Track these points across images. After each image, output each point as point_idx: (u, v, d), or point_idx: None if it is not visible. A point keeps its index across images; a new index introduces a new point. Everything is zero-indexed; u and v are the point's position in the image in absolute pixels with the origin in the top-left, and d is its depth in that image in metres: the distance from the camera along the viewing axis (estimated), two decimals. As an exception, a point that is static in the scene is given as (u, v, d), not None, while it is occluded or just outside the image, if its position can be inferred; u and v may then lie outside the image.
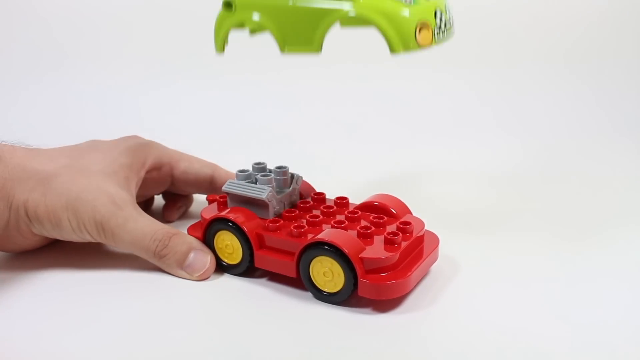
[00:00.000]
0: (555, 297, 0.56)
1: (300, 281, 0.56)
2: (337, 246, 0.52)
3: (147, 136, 0.70)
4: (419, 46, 0.51)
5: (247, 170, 0.61)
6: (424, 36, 0.51)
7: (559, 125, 1.08)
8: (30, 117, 1.12)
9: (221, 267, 0.60)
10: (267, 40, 0.56)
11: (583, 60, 1.21)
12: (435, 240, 0.60)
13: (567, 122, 1.09)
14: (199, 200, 0.76)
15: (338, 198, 0.63)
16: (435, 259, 0.59)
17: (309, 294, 0.56)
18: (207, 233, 0.60)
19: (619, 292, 0.57)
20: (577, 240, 0.67)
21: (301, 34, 0.54)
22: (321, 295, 0.55)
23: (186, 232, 0.62)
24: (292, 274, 0.56)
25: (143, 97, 1.17)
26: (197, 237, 0.60)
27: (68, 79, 1.23)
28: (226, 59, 1.18)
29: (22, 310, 0.54)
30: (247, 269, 0.59)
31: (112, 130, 0.76)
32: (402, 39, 0.50)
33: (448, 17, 0.55)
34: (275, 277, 0.59)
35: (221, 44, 0.58)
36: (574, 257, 0.63)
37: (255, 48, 1.19)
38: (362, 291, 0.52)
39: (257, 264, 0.58)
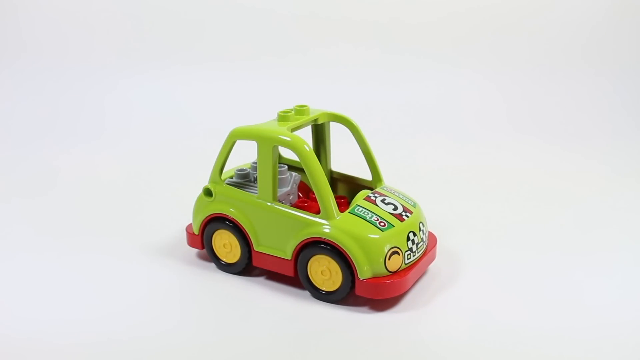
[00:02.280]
0: (553, 296, 0.56)
1: (298, 280, 0.56)
2: (335, 245, 0.52)
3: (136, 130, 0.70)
4: (388, 272, 0.52)
5: (245, 170, 0.61)
6: (394, 261, 0.53)
7: (569, 126, 1.09)
8: None
9: (219, 267, 0.60)
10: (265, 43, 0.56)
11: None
12: (433, 239, 0.60)
13: (580, 123, 1.09)
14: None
15: (337, 197, 0.63)
16: (433, 259, 0.59)
17: (307, 293, 0.56)
18: (205, 232, 0.60)
19: (616, 293, 0.57)
20: (577, 241, 0.67)
21: (274, 238, 0.56)
22: (319, 294, 0.55)
23: (185, 231, 0.62)
24: (290, 272, 0.56)
25: (137, 90, 1.17)
26: (195, 236, 0.61)
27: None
28: (222, 50, 1.16)
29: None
30: (245, 268, 0.59)
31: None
32: (371, 266, 0.52)
33: (421, 236, 0.56)
34: (273, 276, 0.59)
35: (198, 227, 0.60)
36: (572, 258, 0.63)
37: (253, 42, 1.19)
38: (359, 290, 0.53)
39: (255, 263, 0.58)
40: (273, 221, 0.55)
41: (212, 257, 0.60)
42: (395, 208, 0.56)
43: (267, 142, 0.54)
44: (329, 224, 0.53)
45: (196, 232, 0.61)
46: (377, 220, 0.53)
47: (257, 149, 0.55)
